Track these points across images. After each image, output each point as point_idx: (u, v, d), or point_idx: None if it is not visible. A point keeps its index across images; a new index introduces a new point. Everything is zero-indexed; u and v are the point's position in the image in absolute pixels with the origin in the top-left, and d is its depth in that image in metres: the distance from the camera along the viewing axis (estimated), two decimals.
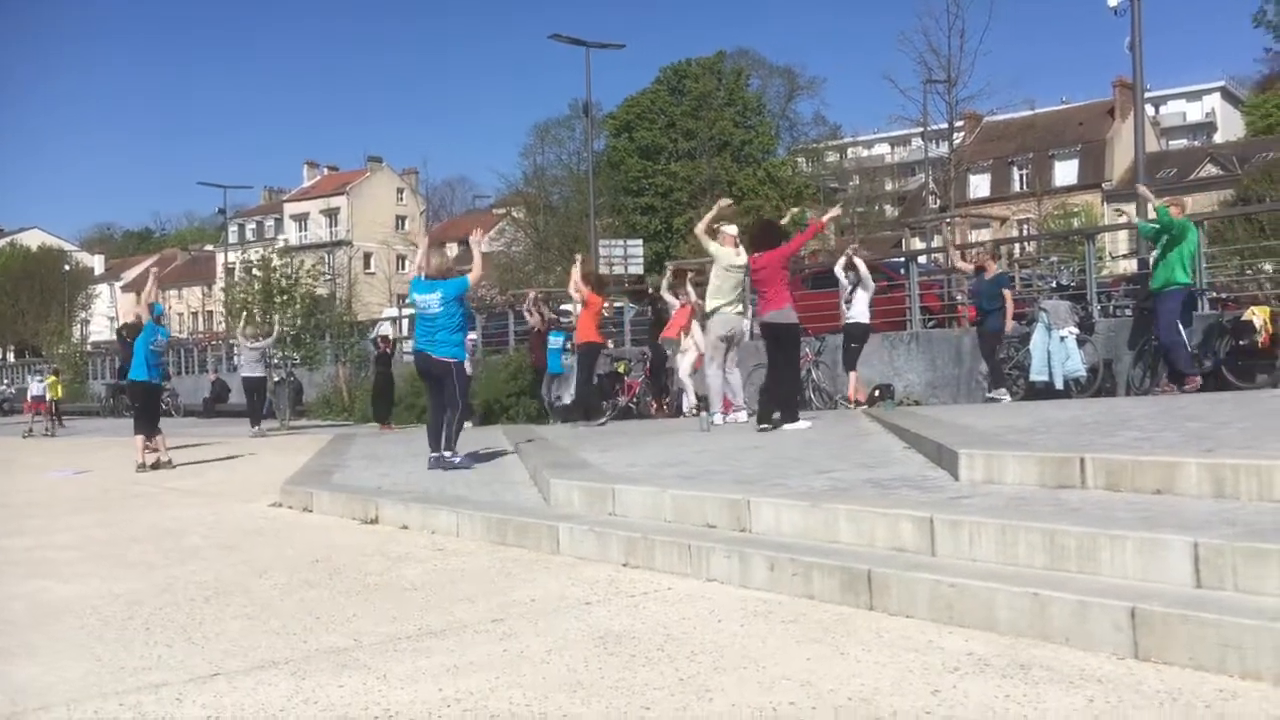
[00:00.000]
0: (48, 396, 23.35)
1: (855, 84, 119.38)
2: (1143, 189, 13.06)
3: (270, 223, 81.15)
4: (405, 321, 28.94)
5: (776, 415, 9.16)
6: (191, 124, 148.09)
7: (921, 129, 44.76)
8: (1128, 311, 13.49)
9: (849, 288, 12.91)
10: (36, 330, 65.61)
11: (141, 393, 12.31)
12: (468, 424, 12.01)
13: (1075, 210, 47.24)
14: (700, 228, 10.62)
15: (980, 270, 12.67)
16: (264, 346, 18.76)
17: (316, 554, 6.12)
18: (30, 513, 8.84)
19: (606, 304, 16.75)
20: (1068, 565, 3.94)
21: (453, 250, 66.01)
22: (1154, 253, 11.02)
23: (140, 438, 12.05)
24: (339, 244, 73.97)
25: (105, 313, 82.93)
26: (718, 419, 10.51)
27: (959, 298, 15.58)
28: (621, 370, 17.09)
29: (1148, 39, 18.13)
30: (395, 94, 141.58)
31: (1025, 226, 48.30)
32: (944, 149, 49.77)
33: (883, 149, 76.33)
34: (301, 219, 79.97)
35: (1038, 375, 11.86)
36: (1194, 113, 72.54)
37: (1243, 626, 3.19)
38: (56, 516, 8.49)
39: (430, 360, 8.82)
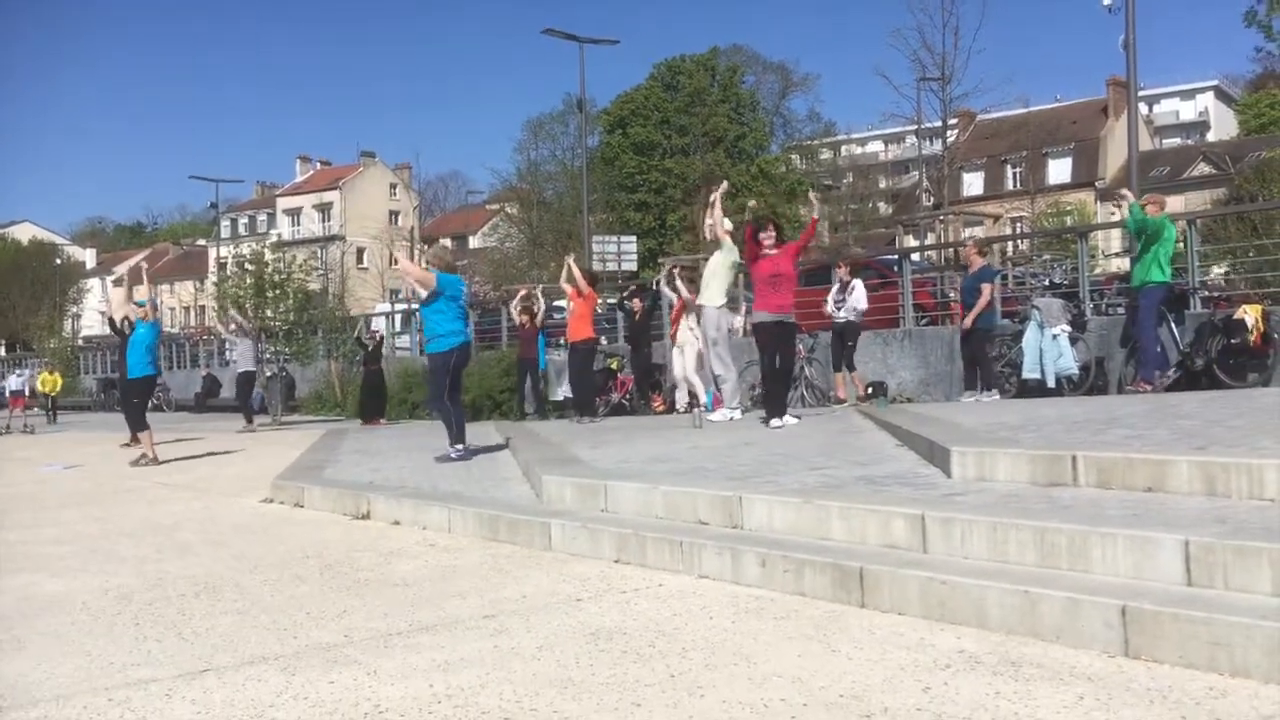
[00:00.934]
0: (34, 390, 23.17)
1: (849, 81, 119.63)
2: (1124, 190, 13.04)
3: (263, 217, 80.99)
4: (398, 317, 28.95)
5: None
6: (184, 118, 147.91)
7: (915, 126, 44.77)
8: (1120, 309, 13.51)
9: (839, 296, 12.90)
10: (27, 324, 65.37)
11: (146, 388, 12.45)
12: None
13: (1068, 208, 47.35)
14: (720, 225, 10.56)
15: (967, 265, 12.59)
16: (245, 342, 18.69)
17: (307, 550, 6.10)
18: (19, 507, 8.81)
19: (600, 301, 16.76)
20: (1059, 563, 3.95)
21: (447, 244, 65.98)
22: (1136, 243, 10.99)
23: (145, 433, 12.07)
24: (332, 239, 73.87)
25: (97, 307, 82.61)
26: (720, 414, 10.52)
27: (951, 295, 15.59)
28: (614, 367, 17.10)
29: (1141, 37, 18.17)
30: (388, 89, 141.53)
31: (1018, 224, 48.41)
32: (938, 146, 49.85)
33: (876, 146, 76.36)
34: (294, 214, 79.81)
35: (1030, 373, 11.87)
36: (1187, 111, 72.73)
37: (1233, 625, 3.20)
38: (46, 511, 8.46)
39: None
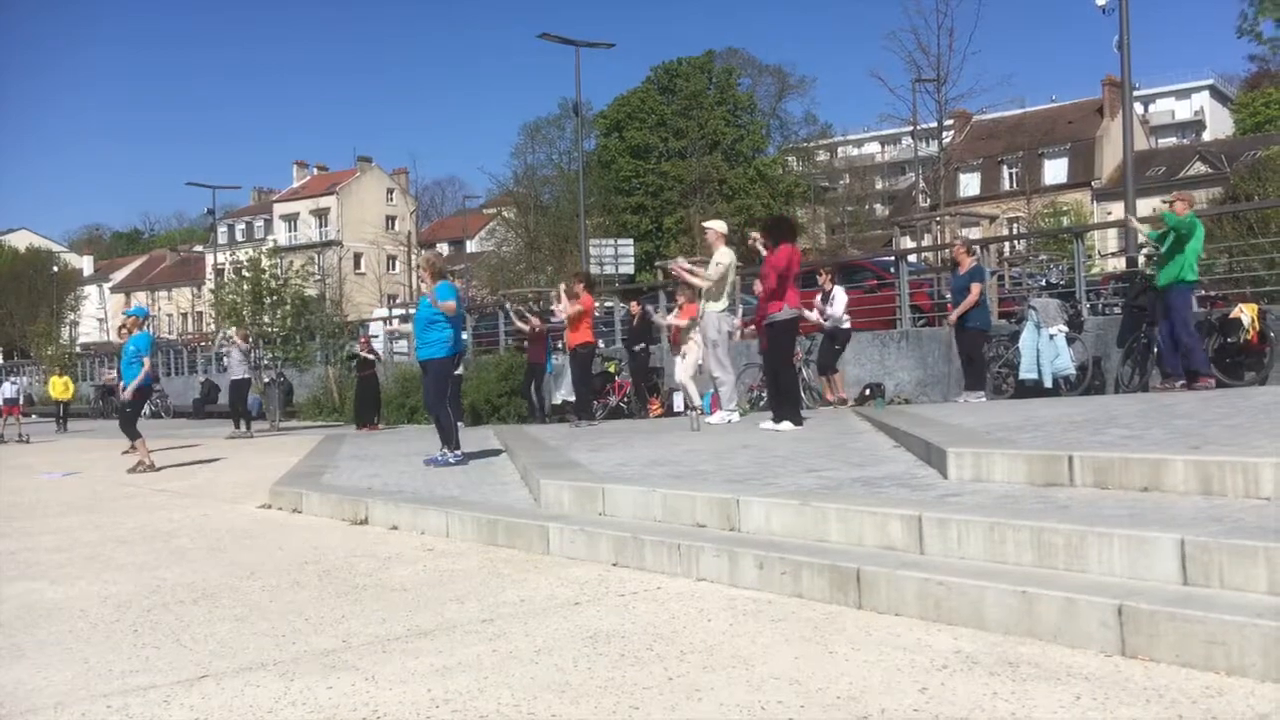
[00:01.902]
0: (31, 398, 22.90)
1: (845, 83, 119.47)
2: (1133, 221, 12.76)
3: (260, 223, 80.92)
4: (395, 321, 28.97)
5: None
6: (181, 124, 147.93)
7: (911, 128, 44.79)
8: (1117, 309, 13.52)
9: (821, 305, 12.88)
10: (24, 332, 65.26)
11: (140, 396, 12.53)
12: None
13: (1064, 208, 47.38)
14: (699, 278, 10.54)
15: (955, 265, 12.55)
16: (244, 350, 18.74)
17: (306, 555, 6.11)
18: (18, 515, 8.80)
19: (596, 305, 16.76)
20: (1056, 563, 3.95)
21: (444, 249, 66.00)
22: (1160, 249, 10.81)
23: (140, 440, 12.09)
24: (329, 244, 73.80)
25: (94, 314, 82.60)
26: (718, 417, 10.53)
27: (949, 296, 15.60)
28: (612, 370, 17.12)
29: (1136, 38, 18.20)
30: (385, 94, 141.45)
31: (1015, 225, 48.42)
32: (934, 148, 49.87)
33: (873, 148, 76.47)
34: (291, 219, 79.74)
35: (1027, 373, 11.88)
36: (1183, 111, 72.85)
37: (1229, 623, 3.20)
38: (45, 518, 8.46)
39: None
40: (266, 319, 22.27)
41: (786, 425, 9.02)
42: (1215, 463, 4.57)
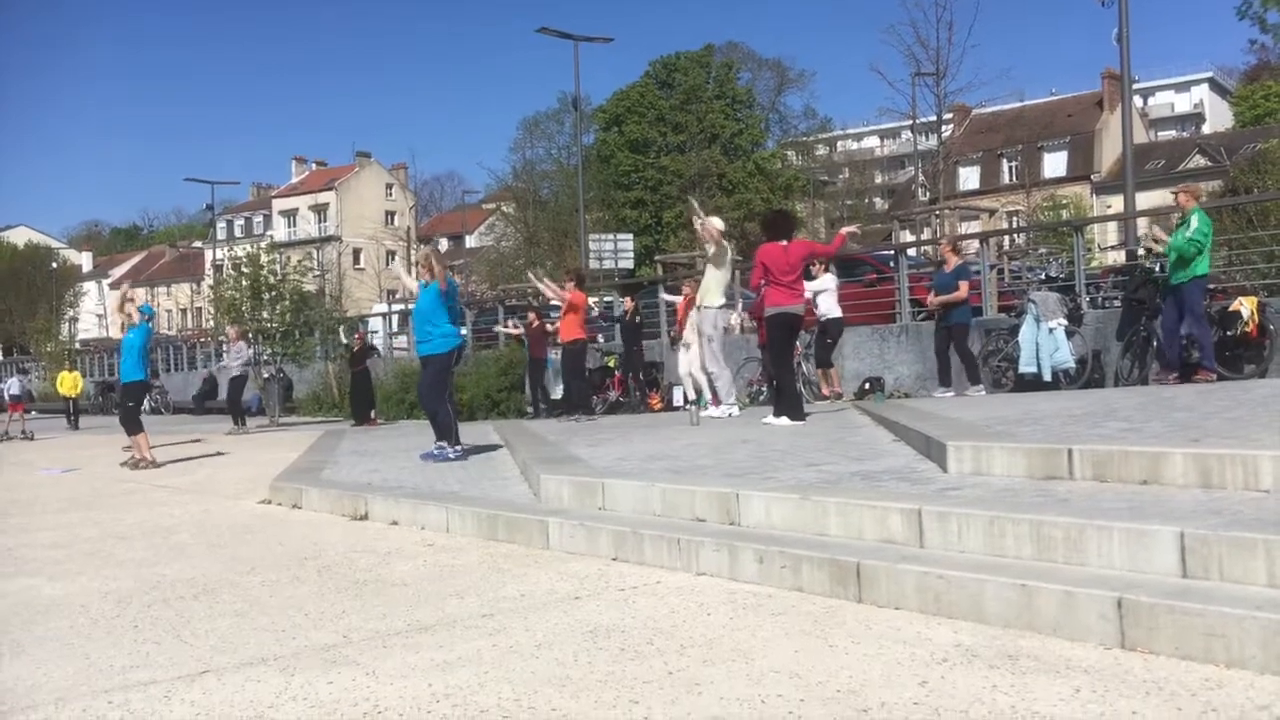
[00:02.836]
0: (32, 395, 22.80)
1: (844, 77, 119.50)
2: (1155, 231, 12.57)
3: (259, 219, 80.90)
4: (395, 318, 28.93)
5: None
6: (180, 120, 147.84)
7: (911, 122, 44.75)
8: (1116, 303, 13.51)
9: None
10: (24, 328, 65.25)
11: (140, 392, 12.55)
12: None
13: (1064, 202, 47.35)
14: (712, 229, 10.44)
15: (942, 263, 12.56)
16: (238, 345, 18.75)
17: (306, 551, 6.11)
18: (18, 511, 8.81)
19: (594, 300, 16.77)
20: (1055, 556, 3.96)
21: (443, 244, 65.96)
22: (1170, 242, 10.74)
23: (142, 435, 12.08)
24: (328, 240, 73.76)
25: (93, 310, 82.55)
26: (719, 411, 10.53)
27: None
28: (611, 365, 17.12)
29: (1135, 30, 18.20)
30: (383, 89, 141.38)
31: (1015, 218, 48.41)
32: (933, 142, 49.84)
33: (872, 142, 76.45)
34: (290, 215, 79.73)
35: (1026, 367, 11.87)
36: (1182, 104, 72.82)
37: (1228, 616, 3.20)
38: (45, 514, 8.46)
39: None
40: (265, 314, 22.24)
41: (784, 420, 9.01)
42: (1215, 455, 4.58)
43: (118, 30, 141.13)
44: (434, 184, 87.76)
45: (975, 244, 19.59)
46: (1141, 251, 12.89)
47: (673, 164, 54.55)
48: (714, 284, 10.54)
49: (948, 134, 51.48)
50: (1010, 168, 54.27)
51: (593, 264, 29.21)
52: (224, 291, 24.02)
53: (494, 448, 9.84)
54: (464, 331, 17.68)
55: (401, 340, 27.22)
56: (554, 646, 3.79)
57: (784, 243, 9.33)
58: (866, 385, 14.11)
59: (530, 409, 16.17)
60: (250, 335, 20.81)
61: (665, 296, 14.04)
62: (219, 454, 13.36)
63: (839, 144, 70.62)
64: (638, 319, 15.93)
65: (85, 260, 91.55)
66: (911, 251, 19.09)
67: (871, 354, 14.99)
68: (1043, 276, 15.56)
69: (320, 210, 77.84)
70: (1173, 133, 66.67)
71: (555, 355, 17.34)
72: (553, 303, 15.47)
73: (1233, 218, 18.20)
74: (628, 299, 16.30)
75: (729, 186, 53.69)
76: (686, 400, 13.29)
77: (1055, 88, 63.10)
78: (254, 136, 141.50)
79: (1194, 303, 10.30)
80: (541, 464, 7.11)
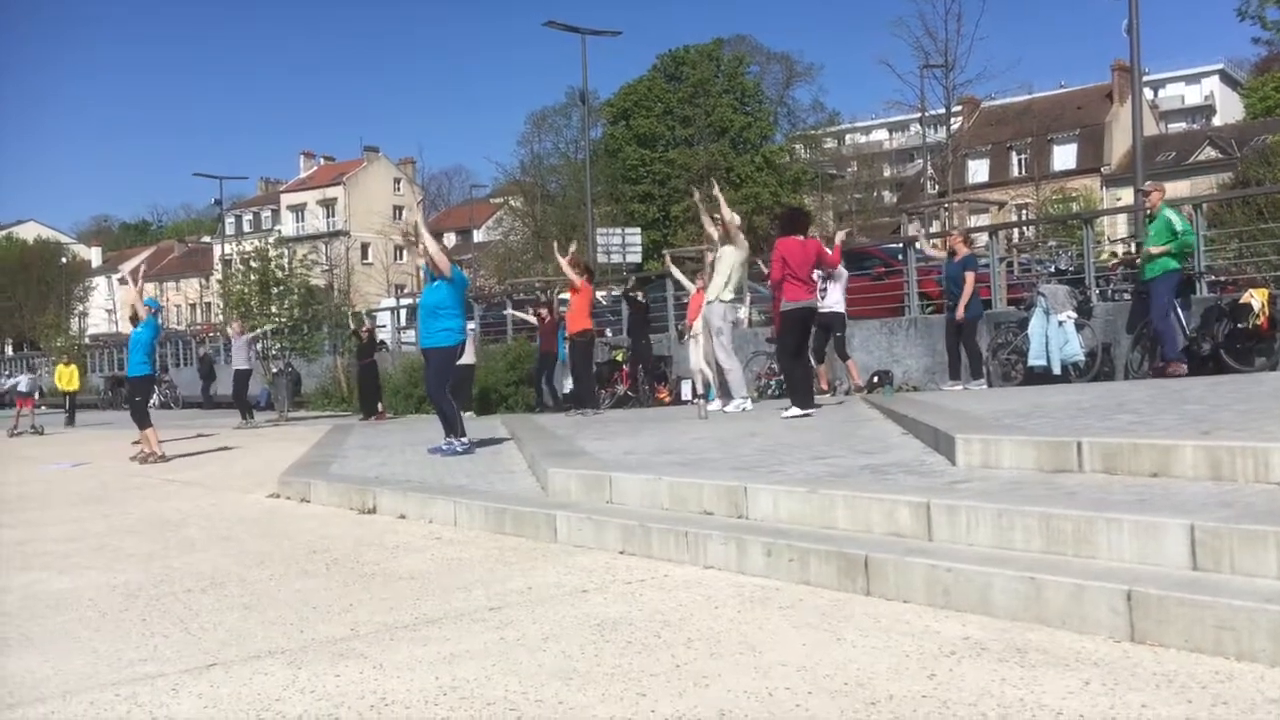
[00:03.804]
0: (42, 389, 22.75)
1: (853, 70, 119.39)
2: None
3: (267, 214, 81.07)
4: (404, 312, 28.96)
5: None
6: (188, 115, 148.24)
7: (919, 114, 44.64)
8: (1126, 295, 13.47)
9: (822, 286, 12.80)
10: (34, 323, 65.46)
11: (146, 386, 12.57)
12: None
13: (1074, 194, 47.20)
14: (732, 221, 10.44)
15: (952, 254, 12.50)
16: (247, 338, 18.83)
17: (314, 544, 6.12)
18: (27, 505, 8.83)
19: (603, 294, 16.77)
20: (1064, 549, 3.94)
21: (451, 239, 65.98)
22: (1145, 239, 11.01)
23: (151, 430, 12.10)
24: (336, 234, 73.90)
25: (103, 305, 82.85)
26: (732, 405, 10.51)
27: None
28: (619, 358, 17.11)
29: (1145, 22, 18.11)
30: (391, 84, 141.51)
31: (1024, 211, 48.26)
32: (942, 134, 49.71)
33: (881, 135, 76.23)
34: (298, 210, 79.87)
35: (1036, 360, 11.84)
36: (1192, 96, 72.48)
37: (1239, 609, 3.19)
38: (53, 508, 8.48)
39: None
40: (274, 309, 22.27)
41: (794, 411, 9.04)
42: (1225, 448, 4.55)
43: (125, 26, 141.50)
44: (441, 178, 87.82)
45: (984, 237, 19.52)
46: (1134, 247, 12.92)
47: (681, 158, 54.48)
48: (723, 278, 10.53)
49: (956, 126, 51.35)
50: (1019, 160, 54.12)
51: (600, 258, 29.19)
52: (232, 286, 24.04)
53: (501, 441, 9.84)
54: (471, 326, 17.71)
55: (409, 335, 27.24)
56: (561, 639, 3.79)
57: (801, 238, 9.37)
58: (875, 378, 14.08)
59: (537, 405, 16.17)
60: (255, 329, 20.83)
61: (680, 277, 14.06)
62: (227, 448, 13.39)
63: (847, 137, 70.44)
64: (645, 304, 15.89)
65: (94, 255, 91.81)
66: (919, 244, 18.95)
67: (880, 347, 14.96)
68: (1052, 269, 15.51)
69: (328, 205, 77.98)
70: (1183, 125, 66.36)
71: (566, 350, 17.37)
72: (561, 296, 15.46)
73: (1243, 209, 18.09)
74: (637, 292, 16.32)
75: (737, 180, 53.59)
76: (695, 394, 13.28)
77: (1064, 80, 63.03)
78: (262, 132, 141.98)
79: (1159, 296, 10.46)
80: (549, 457, 7.10)
